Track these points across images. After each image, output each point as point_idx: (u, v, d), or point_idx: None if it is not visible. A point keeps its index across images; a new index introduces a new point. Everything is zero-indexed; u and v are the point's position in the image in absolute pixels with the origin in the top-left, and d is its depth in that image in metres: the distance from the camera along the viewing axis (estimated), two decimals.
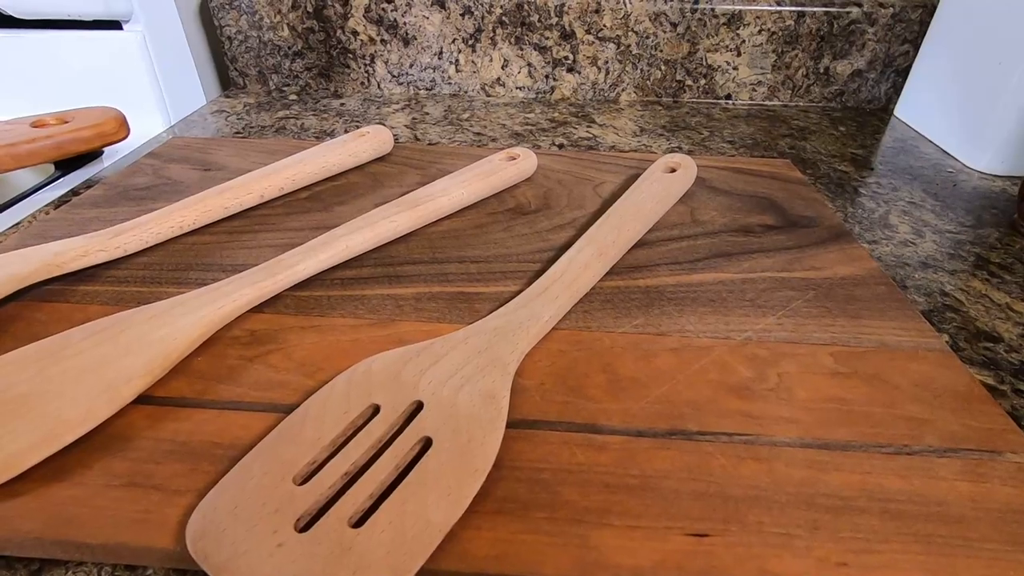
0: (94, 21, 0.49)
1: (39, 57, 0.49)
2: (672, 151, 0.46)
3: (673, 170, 0.35)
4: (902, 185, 0.41)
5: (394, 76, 0.57)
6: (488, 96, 0.58)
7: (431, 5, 0.53)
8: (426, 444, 0.18)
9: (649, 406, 0.21)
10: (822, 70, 0.54)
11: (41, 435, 0.19)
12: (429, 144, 0.46)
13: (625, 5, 0.52)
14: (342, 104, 0.55)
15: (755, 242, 0.31)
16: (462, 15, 0.54)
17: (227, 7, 0.54)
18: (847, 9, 0.51)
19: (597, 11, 0.52)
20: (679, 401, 0.21)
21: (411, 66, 0.57)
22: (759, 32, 0.53)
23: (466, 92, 0.58)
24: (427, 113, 0.53)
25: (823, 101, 0.56)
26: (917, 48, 0.52)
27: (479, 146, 0.46)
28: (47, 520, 0.17)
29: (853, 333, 0.25)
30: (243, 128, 0.50)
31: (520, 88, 0.57)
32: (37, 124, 0.42)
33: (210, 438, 0.20)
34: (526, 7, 0.53)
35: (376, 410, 0.19)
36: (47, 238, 0.30)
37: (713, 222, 0.33)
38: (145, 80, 0.50)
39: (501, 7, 0.53)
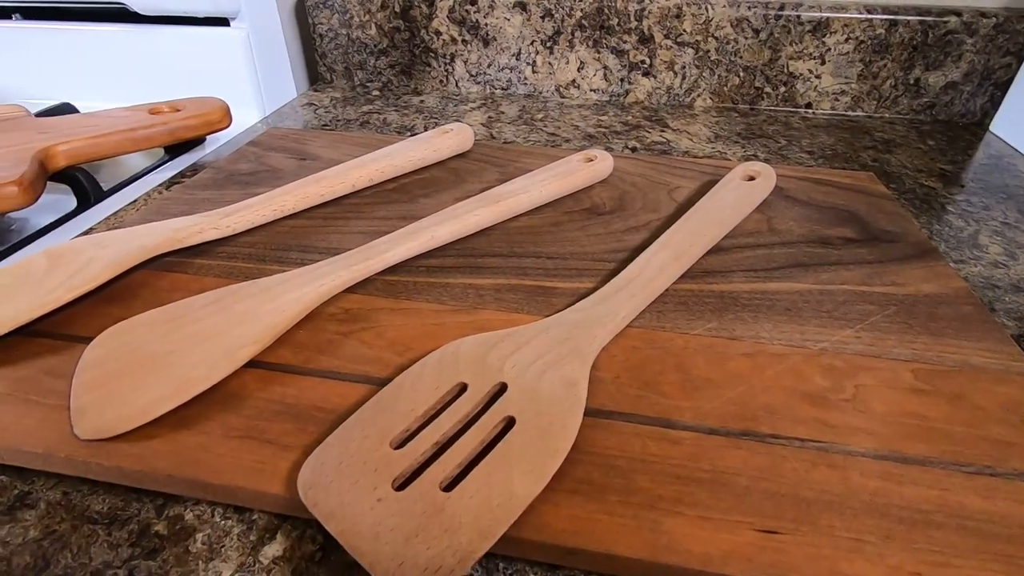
0: (205, 18, 0.53)
1: (154, 49, 0.54)
2: (748, 159, 0.46)
3: (752, 178, 0.35)
4: (995, 204, 0.39)
5: (472, 76, 0.59)
6: (562, 97, 0.59)
7: (513, 7, 0.55)
8: (509, 422, 0.20)
9: (722, 406, 0.22)
10: (912, 81, 0.52)
11: (171, 388, 0.21)
12: (505, 143, 0.47)
13: (707, 11, 0.52)
14: (421, 101, 0.58)
15: (834, 254, 0.31)
16: (542, 17, 0.55)
17: (321, 6, 0.58)
18: (944, 19, 0.49)
19: (678, 16, 0.53)
20: (753, 404, 0.22)
21: (489, 66, 0.58)
22: (846, 40, 0.51)
23: (540, 93, 0.59)
24: (503, 112, 0.55)
25: (911, 113, 0.54)
26: (1020, 61, 0.50)
27: (553, 146, 0.47)
28: (177, 461, 0.20)
29: (936, 351, 0.25)
30: (330, 121, 0.53)
31: (594, 90, 0.58)
32: (153, 111, 0.46)
33: (313, 402, 0.22)
34: (606, 11, 0.54)
35: (464, 388, 0.21)
36: (166, 215, 0.34)
37: (791, 232, 0.33)
38: (245, 73, 0.54)
39: (581, 10, 0.54)
